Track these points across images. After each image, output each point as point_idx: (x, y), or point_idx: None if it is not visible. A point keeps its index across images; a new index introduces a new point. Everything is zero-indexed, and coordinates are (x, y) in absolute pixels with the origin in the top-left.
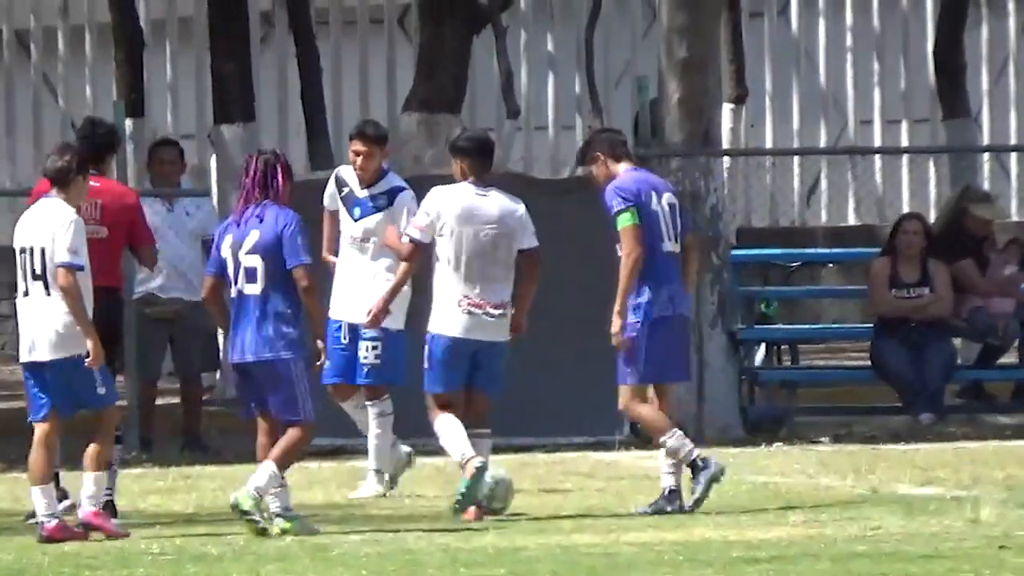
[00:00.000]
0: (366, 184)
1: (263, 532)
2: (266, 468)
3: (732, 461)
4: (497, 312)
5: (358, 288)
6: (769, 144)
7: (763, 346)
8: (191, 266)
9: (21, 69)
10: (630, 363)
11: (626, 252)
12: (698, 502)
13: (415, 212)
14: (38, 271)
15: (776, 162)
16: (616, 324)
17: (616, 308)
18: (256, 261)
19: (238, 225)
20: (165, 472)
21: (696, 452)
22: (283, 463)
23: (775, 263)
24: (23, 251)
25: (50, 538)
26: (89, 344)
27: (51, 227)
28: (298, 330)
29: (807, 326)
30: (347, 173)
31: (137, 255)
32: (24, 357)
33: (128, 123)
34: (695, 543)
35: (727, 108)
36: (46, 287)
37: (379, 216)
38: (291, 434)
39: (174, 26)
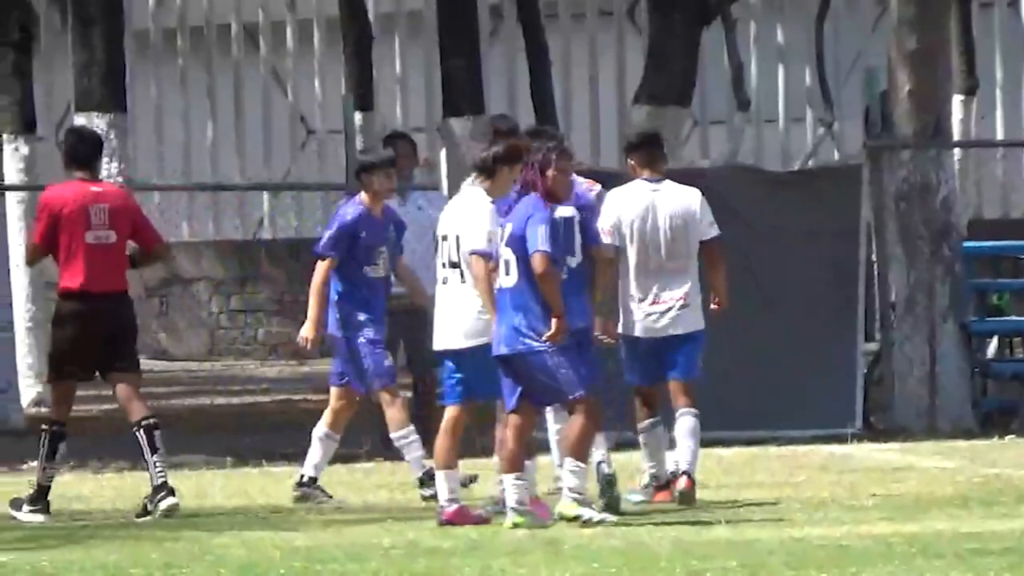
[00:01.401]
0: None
1: (599, 522)
2: (568, 466)
3: (965, 453)
4: (679, 304)
5: None
6: (1000, 135)
7: (995, 338)
8: (422, 260)
9: (250, 63)
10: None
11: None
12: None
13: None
14: (454, 259)
15: (1007, 153)
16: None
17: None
18: (509, 253)
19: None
20: (397, 466)
21: (603, 465)
22: (580, 454)
23: (1007, 255)
24: (444, 239)
25: (449, 522)
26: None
27: (467, 215)
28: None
29: None
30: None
31: (152, 254)
32: (439, 345)
33: (357, 117)
34: (927, 535)
35: (957, 99)
36: (462, 275)
37: None
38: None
39: (403, 20)
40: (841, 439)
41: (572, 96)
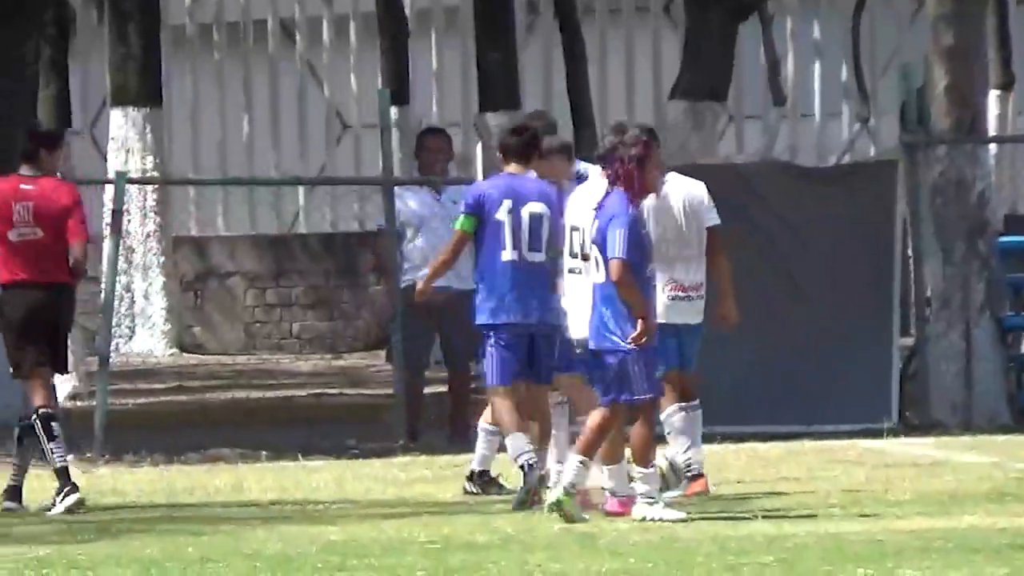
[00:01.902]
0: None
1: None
2: (636, 474)
3: (1000, 448)
4: (695, 295)
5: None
6: None
7: None
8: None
9: (286, 58)
10: (488, 367)
11: (445, 248)
12: (521, 504)
13: None
14: (586, 250)
15: None
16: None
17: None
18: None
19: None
20: (432, 461)
21: (525, 458)
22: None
23: None
24: (574, 229)
25: (614, 513)
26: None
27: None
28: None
29: None
30: None
31: (70, 252)
32: (575, 334)
33: (393, 111)
34: (963, 530)
35: (994, 95)
36: (596, 265)
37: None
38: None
39: (439, 14)
40: (876, 434)
41: (608, 91)
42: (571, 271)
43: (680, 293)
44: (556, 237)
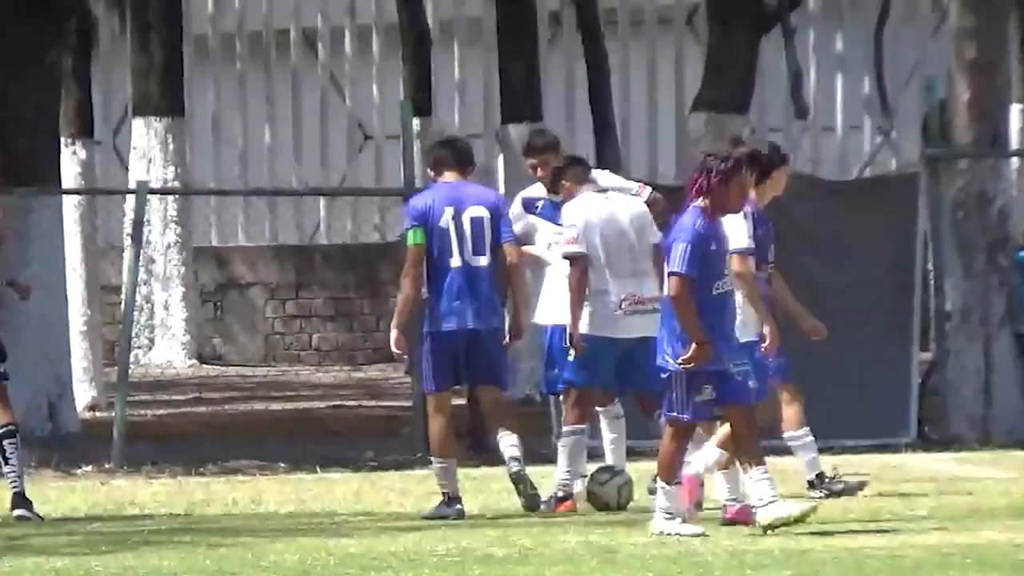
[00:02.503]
0: (557, 190)
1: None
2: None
3: (1019, 464)
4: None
5: None
6: None
7: None
8: None
9: (308, 68)
10: (425, 373)
11: (404, 272)
12: (424, 517)
13: (624, 187)
14: None
15: None
16: (393, 335)
17: (394, 321)
18: None
19: None
20: None
21: (450, 489)
22: (668, 475)
23: None
24: None
25: (732, 521)
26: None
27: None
28: None
29: None
30: (533, 191)
31: None
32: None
33: (416, 122)
34: (981, 546)
35: (1016, 109)
36: None
37: None
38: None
39: (462, 25)
40: (895, 448)
41: (630, 103)
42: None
43: (640, 306)
44: (498, 237)
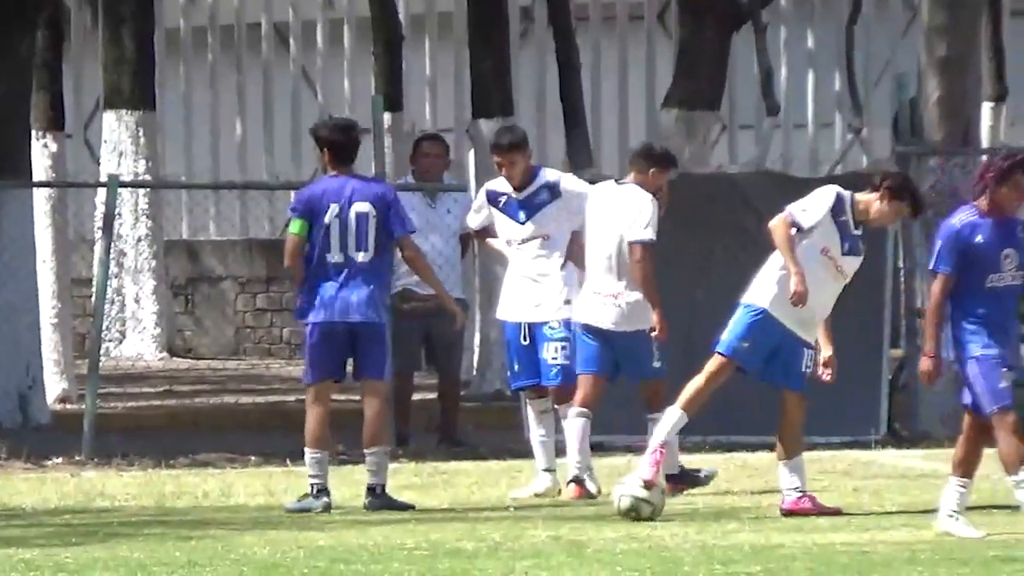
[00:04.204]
0: (522, 186)
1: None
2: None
3: (989, 461)
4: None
5: (536, 288)
6: None
7: (1022, 346)
8: (449, 261)
9: (280, 62)
10: (305, 364)
11: (285, 261)
12: (288, 509)
13: (585, 194)
14: None
15: None
16: None
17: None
18: None
19: None
20: (421, 467)
21: (319, 481)
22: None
23: None
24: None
25: (790, 512)
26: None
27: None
28: None
29: None
30: (498, 184)
31: None
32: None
33: (386, 117)
34: (951, 542)
35: (987, 106)
36: None
37: (547, 210)
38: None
39: (433, 20)
40: (865, 445)
41: (601, 99)
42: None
43: (603, 296)
44: (383, 235)
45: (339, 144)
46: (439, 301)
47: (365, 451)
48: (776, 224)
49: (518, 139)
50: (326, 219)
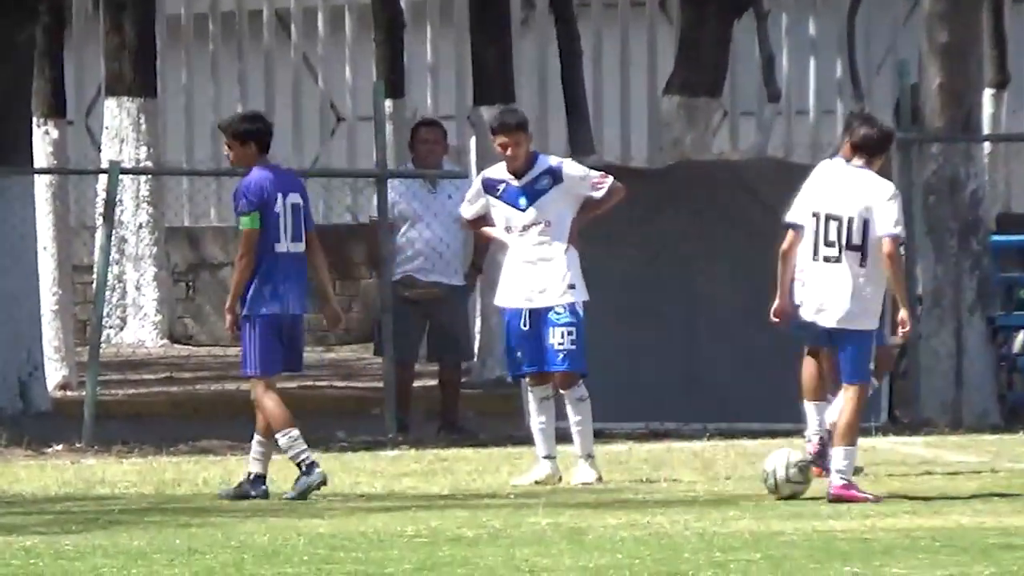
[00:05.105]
0: (522, 172)
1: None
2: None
3: (989, 448)
4: None
5: (540, 273)
6: None
7: (1022, 332)
8: (450, 248)
9: (281, 50)
10: (252, 357)
11: (239, 255)
12: (292, 499)
13: (587, 176)
14: (855, 240)
15: None
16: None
17: (227, 305)
18: None
19: None
20: (421, 454)
21: (305, 456)
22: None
23: None
24: (832, 219)
25: (838, 498)
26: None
27: (870, 196)
28: None
29: None
30: (495, 172)
31: None
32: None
33: (388, 104)
34: (951, 529)
35: (988, 93)
36: (862, 257)
37: (549, 195)
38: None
39: (435, 7)
40: (866, 432)
41: (602, 86)
42: (827, 259)
43: None
44: (308, 226)
45: (264, 133)
46: (440, 288)
47: (263, 438)
48: (893, 251)
49: (523, 119)
50: (276, 208)
